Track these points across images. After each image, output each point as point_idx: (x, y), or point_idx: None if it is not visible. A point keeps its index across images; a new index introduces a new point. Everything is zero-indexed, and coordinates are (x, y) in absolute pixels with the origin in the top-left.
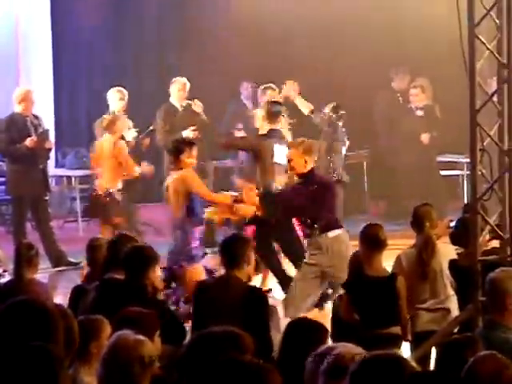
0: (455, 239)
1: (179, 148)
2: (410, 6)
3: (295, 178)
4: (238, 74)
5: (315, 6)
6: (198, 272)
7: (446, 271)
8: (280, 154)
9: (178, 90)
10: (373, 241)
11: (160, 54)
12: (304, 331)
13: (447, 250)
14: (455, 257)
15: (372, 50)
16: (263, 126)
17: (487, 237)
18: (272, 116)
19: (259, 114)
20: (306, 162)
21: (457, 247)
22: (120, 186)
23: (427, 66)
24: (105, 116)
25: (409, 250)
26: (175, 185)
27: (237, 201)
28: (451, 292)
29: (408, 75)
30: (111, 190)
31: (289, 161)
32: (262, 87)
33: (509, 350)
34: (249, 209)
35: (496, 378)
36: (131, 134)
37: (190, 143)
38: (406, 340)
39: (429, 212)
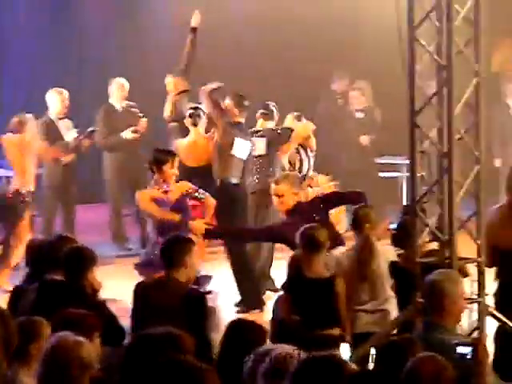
0: (396, 241)
1: (162, 159)
2: (352, 7)
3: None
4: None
5: (253, 6)
6: None
7: (386, 273)
8: (241, 148)
9: (116, 90)
10: (310, 242)
11: (103, 55)
12: (243, 332)
13: (387, 252)
14: (395, 258)
15: (313, 51)
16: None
17: (427, 239)
18: (241, 108)
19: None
20: (296, 194)
21: (397, 248)
22: (32, 188)
23: (368, 68)
24: (15, 117)
25: (349, 251)
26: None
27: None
28: (391, 293)
29: (347, 77)
30: (22, 191)
31: (279, 196)
32: (202, 88)
33: (446, 351)
34: (200, 225)
35: (435, 379)
36: (71, 135)
37: (173, 154)
38: (346, 341)
39: (368, 214)
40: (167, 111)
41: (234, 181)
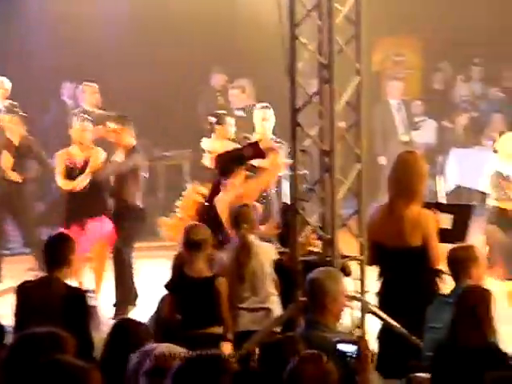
0: (281, 239)
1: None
2: (235, 3)
3: None
4: (54, 74)
5: (131, 4)
6: None
7: (268, 270)
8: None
9: None
10: (189, 242)
11: None
12: (128, 331)
13: (268, 250)
14: (275, 256)
15: (192, 48)
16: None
17: (312, 236)
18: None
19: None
20: None
21: (278, 247)
22: None
23: (249, 66)
24: None
25: (230, 250)
26: None
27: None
28: (272, 291)
29: (225, 74)
30: None
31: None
32: (80, 86)
33: (328, 349)
34: None
35: (318, 379)
36: None
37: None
38: (228, 340)
39: (246, 213)
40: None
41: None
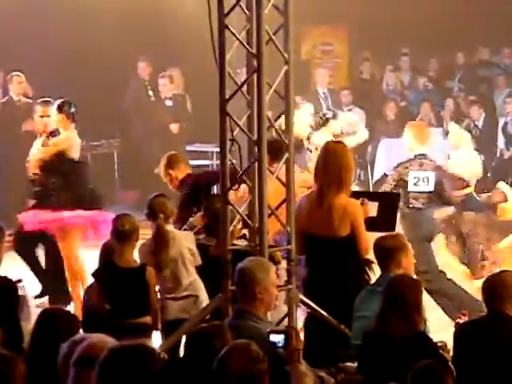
0: (208, 230)
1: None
2: None
3: None
4: None
5: None
6: None
7: (189, 257)
8: None
9: None
10: (118, 232)
11: None
12: (56, 321)
13: (185, 237)
14: (193, 243)
15: (121, 36)
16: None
17: (239, 226)
18: None
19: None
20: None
21: (204, 237)
22: None
23: (178, 55)
24: None
25: (148, 240)
26: None
27: None
28: (196, 277)
29: (150, 64)
30: None
31: None
32: (9, 75)
33: (258, 339)
34: None
35: (246, 368)
36: None
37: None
38: (157, 329)
39: (163, 203)
40: None
41: None
